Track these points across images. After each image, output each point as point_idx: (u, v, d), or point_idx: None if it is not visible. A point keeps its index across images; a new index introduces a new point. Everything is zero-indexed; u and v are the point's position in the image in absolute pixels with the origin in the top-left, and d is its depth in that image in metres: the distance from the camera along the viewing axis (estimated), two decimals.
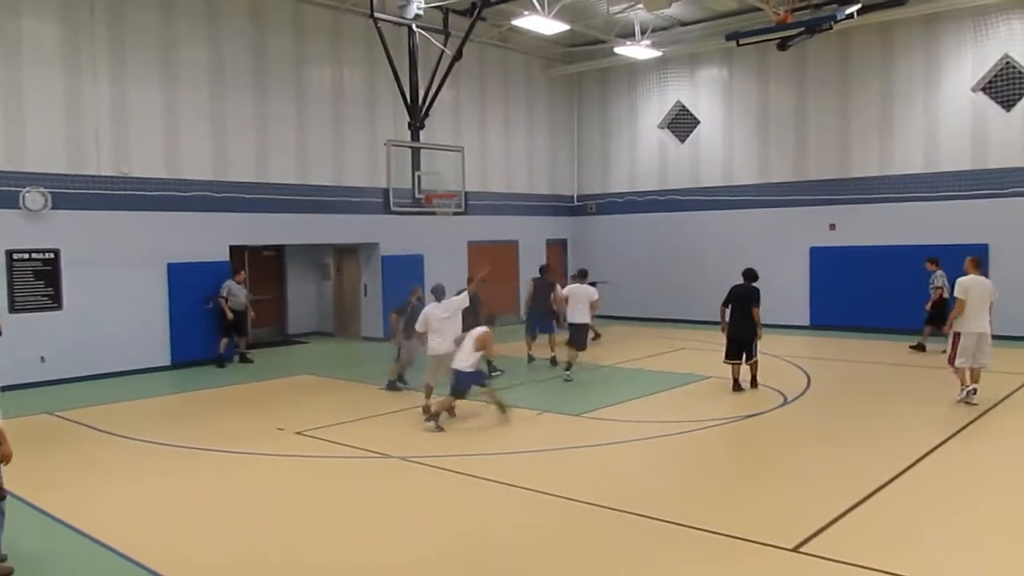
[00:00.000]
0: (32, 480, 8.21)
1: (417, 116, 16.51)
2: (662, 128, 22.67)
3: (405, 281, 19.56)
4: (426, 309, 11.39)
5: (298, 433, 10.45)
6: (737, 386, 12.35)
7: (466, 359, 10.64)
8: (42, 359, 13.99)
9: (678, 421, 10.84)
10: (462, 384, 10.67)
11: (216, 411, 11.90)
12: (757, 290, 12.37)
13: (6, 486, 6.13)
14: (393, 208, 15.61)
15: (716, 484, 8.18)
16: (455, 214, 16.82)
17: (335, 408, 12.07)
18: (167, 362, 15.55)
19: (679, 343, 17.39)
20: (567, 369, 13.70)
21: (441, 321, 11.21)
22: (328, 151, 18.32)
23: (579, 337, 13.87)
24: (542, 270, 16.02)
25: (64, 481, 8.59)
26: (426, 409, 10.90)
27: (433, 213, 16.36)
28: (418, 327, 11.43)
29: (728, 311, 12.37)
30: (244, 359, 16.62)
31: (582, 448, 9.52)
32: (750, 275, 12.50)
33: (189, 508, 7.72)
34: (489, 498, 7.84)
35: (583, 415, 11.20)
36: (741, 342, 12.30)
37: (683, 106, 22.23)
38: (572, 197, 24.60)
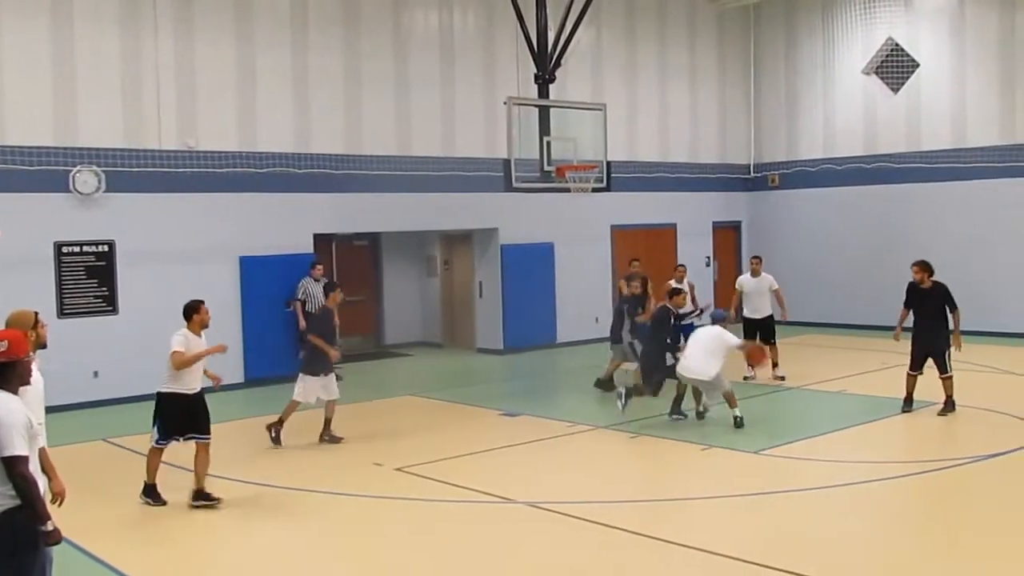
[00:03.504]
0: (88, 523, 8.78)
1: (546, 66, 16.64)
2: (868, 74, 22.10)
3: (530, 277, 19.85)
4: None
5: (399, 469, 10.77)
6: (909, 403, 12.96)
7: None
8: (95, 374, 14.90)
9: (891, 462, 10.61)
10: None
11: (297, 439, 12.37)
12: (945, 288, 12.91)
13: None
14: (516, 184, 15.80)
15: (939, 551, 7.97)
16: (595, 191, 16.86)
17: (445, 438, 12.36)
18: (240, 378, 16.24)
19: (893, 358, 16.92)
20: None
21: None
22: (434, 114, 18.70)
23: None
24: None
25: (125, 525, 9.15)
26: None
27: (567, 190, 16.47)
28: None
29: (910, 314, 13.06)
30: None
31: (759, 496, 9.43)
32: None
33: (263, 561, 8.10)
34: (643, 560, 7.89)
35: (762, 452, 11.10)
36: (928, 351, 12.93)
37: (896, 44, 21.61)
38: (748, 167, 24.28)
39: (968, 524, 8.59)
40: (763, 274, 16.23)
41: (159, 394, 9.60)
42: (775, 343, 15.89)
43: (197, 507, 9.40)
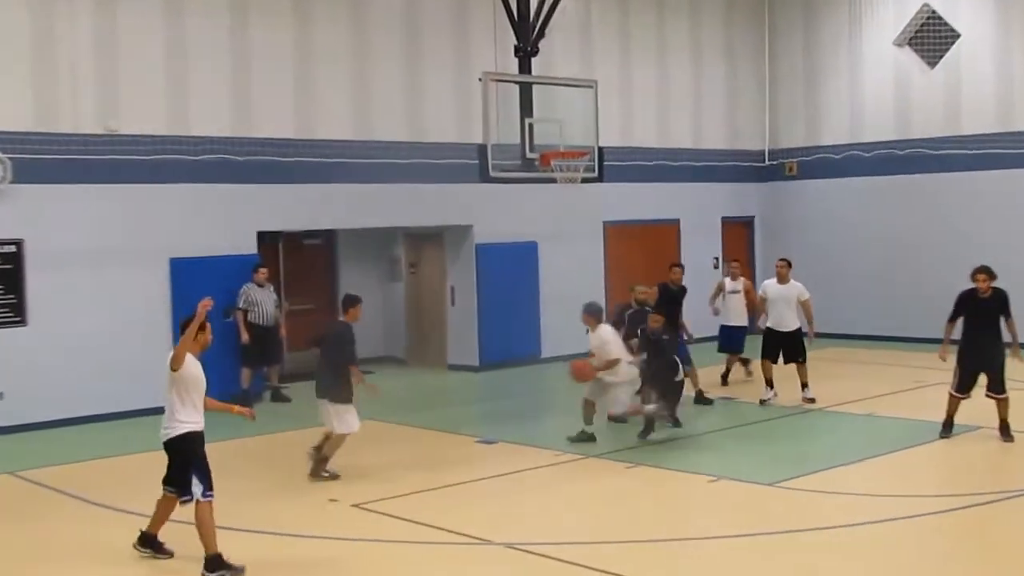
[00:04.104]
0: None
1: (528, 37, 16.67)
2: (900, 46, 22.25)
3: (510, 281, 19.83)
4: None
5: (356, 506, 10.71)
6: (948, 427, 12.93)
7: None
8: (0, 395, 14.77)
9: (927, 496, 10.61)
10: None
11: (238, 472, 12.27)
12: (1006, 295, 12.83)
13: None
14: (493, 174, 15.81)
15: None
16: (584, 181, 16.88)
17: (411, 469, 12.31)
18: None
19: (930, 375, 16.97)
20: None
21: None
22: (398, 94, 18.67)
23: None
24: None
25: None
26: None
27: (552, 180, 16.48)
28: None
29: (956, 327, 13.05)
30: (278, 397, 17.11)
31: (774, 535, 9.41)
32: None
33: None
34: None
35: (778, 484, 11.10)
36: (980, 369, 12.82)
37: (933, 12, 21.77)
38: (762, 154, 24.38)
39: (1017, 568, 8.58)
40: (792, 281, 15.83)
41: (180, 438, 8.79)
42: (804, 362, 15.62)
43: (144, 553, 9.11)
